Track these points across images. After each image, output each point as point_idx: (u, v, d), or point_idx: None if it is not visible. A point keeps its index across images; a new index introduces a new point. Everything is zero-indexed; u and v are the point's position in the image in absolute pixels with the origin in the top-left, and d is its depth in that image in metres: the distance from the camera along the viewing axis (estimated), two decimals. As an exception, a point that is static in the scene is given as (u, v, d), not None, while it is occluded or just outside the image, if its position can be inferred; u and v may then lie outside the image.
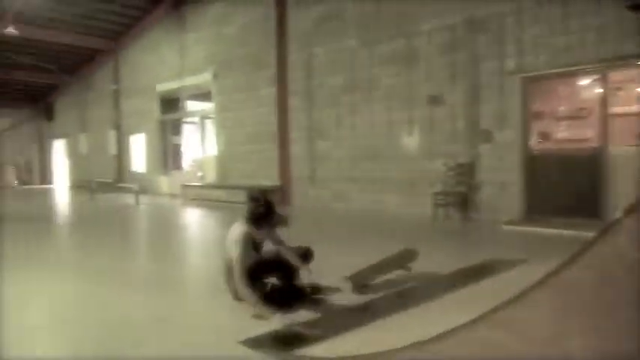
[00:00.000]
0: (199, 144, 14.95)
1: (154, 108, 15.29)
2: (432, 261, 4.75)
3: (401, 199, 8.78)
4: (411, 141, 8.61)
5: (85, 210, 11.44)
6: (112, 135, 17.15)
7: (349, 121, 9.60)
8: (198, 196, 11.86)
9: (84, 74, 18.59)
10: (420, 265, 4.54)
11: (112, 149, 17.17)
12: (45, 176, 22.67)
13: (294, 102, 10.66)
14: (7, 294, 3.87)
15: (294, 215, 9.96)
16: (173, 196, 13.41)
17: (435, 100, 8.21)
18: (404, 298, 3.57)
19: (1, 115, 21.70)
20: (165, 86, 14.70)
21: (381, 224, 7.75)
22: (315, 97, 10.24)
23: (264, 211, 3.40)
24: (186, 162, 16.75)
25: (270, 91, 11.18)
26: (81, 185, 18.54)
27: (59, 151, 22.16)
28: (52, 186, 21.45)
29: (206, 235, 7.46)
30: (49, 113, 21.41)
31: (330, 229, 7.62)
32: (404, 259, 4.24)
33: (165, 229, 8.25)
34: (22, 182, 21.73)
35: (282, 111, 10.81)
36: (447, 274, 4.18)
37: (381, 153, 9.06)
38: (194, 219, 9.72)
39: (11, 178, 20.95)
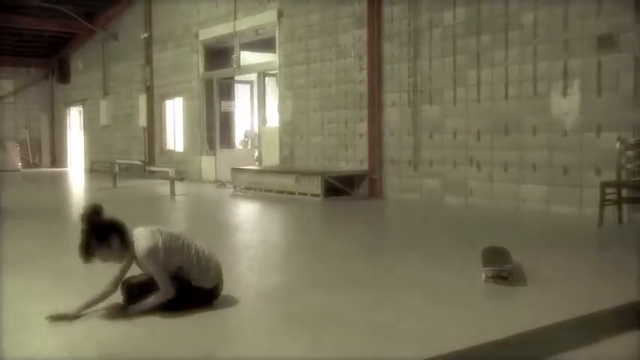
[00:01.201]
0: (257, 112, 15.32)
1: (197, 62, 15.89)
2: (605, 283, 4.58)
3: (548, 192, 8.49)
4: (565, 105, 8.29)
5: (104, 204, 12.15)
6: (141, 100, 18.08)
7: (472, 77, 9.40)
8: (255, 184, 12.17)
9: (107, 19, 19.73)
10: (591, 290, 4.39)
11: (142, 120, 18.10)
12: (57, 156, 24.40)
13: (391, 50, 10.60)
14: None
15: (383, 214, 9.93)
16: (220, 183, 13.88)
17: (606, 43, 7.83)
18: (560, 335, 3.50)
19: (1, 76, 23.64)
20: (211, 32, 15.21)
21: (518, 229, 7.51)
22: (421, 43, 10.11)
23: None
24: (239, 137, 17.28)
25: (356, 35, 11.20)
26: (100, 168, 19.77)
27: (76, 123, 23.77)
28: (65, 169, 23.07)
29: (280, 248, 7.62)
30: (62, 73, 22.97)
31: (438, 237, 7.51)
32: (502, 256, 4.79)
33: (215, 237, 8.58)
34: (29, 164, 23.53)
35: (374, 63, 10.80)
36: (631, 304, 3.99)
37: (519, 123, 8.80)
38: (253, 219, 9.99)
39: (15, 158, 22.72)
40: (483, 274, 4.54)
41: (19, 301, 4.28)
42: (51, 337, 3.54)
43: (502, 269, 4.48)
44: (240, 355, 3.30)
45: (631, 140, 7.52)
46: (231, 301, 4.36)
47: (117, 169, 18.22)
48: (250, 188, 12.26)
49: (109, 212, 3.99)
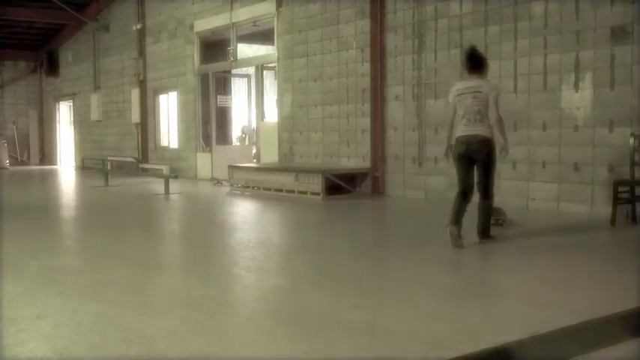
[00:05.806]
0: (255, 106, 15.33)
1: (192, 55, 15.90)
2: (618, 286, 4.61)
3: (558, 190, 8.52)
4: (577, 99, 8.31)
5: (93, 206, 12.18)
6: (134, 94, 18.09)
7: (479, 70, 9.40)
8: (253, 182, 12.17)
9: (98, 9, 19.71)
10: (602, 293, 4.39)
11: (134, 115, 18.11)
12: (46, 153, 24.41)
13: (395, 41, 10.62)
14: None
15: (386, 213, 9.94)
16: (217, 181, 13.89)
17: (620, 34, 7.84)
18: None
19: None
20: (207, 23, 15.21)
21: (527, 228, 7.51)
22: (426, 34, 10.13)
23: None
24: (236, 133, 17.28)
25: (359, 26, 11.21)
26: (91, 166, 19.78)
27: (65, 119, 23.78)
28: (55, 166, 23.08)
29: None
30: (51, 66, 22.97)
31: (443, 236, 7.52)
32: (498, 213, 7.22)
33: (212, 237, 8.59)
34: (17, 161, 23.54)
35: (377, 55, 10.81)
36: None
37: (528, 118, 8.83)
38: (250, 219, 9.99)
39: (2, 155, 22.72)
40: None
41: (8, 304, 4.29)
42: (42, 340, 3.57)
43: (499, 218, 7.17)
44: (238, 357, 3.32)
45: (645, 136, 7.56)
46: (229, 303, 4.39)
47: (109, 167, 18.25)
48: (248, 186, 12.26)
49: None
